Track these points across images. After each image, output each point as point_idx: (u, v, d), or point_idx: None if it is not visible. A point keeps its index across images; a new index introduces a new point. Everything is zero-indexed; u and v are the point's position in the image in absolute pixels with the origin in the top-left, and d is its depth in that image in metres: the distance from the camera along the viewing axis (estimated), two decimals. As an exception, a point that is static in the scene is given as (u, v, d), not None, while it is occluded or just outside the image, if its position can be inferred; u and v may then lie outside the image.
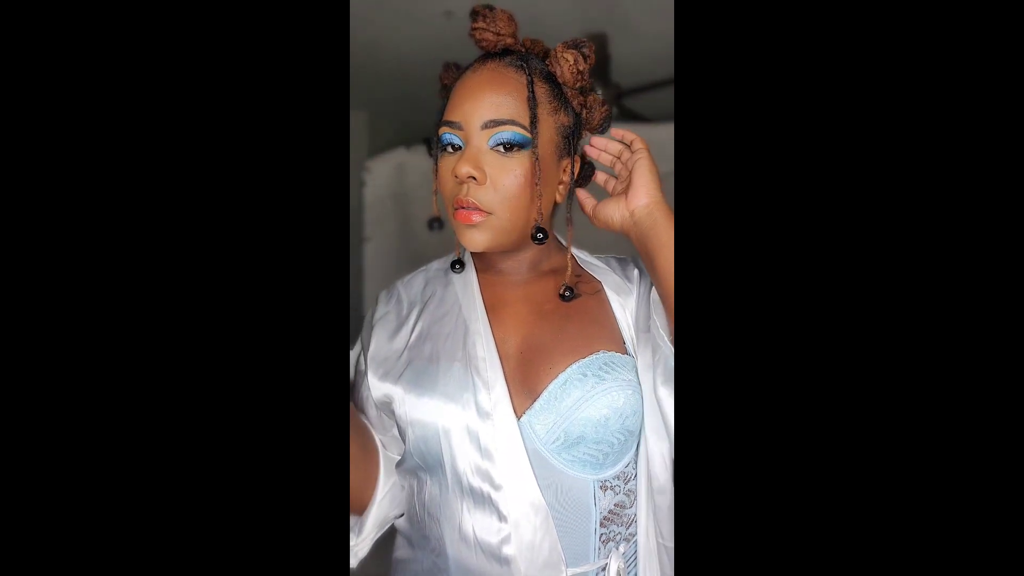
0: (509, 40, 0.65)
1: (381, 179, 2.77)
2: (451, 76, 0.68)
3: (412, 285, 0.75)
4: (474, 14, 0.64)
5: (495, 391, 0.62)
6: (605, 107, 0.71)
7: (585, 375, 0.62)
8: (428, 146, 0.70)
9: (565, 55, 0.65)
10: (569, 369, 0.63)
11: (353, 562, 0.69)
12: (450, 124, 0.62)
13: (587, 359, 0.63)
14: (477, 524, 0.61)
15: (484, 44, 0.65)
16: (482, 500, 0.61)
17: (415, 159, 2.65)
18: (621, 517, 0.65)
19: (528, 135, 0.61)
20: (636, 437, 0.65)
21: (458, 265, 0.70)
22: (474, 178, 0.61)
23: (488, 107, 0.61)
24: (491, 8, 0.64)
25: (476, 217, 0.61)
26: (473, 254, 0.72)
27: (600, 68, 2.11)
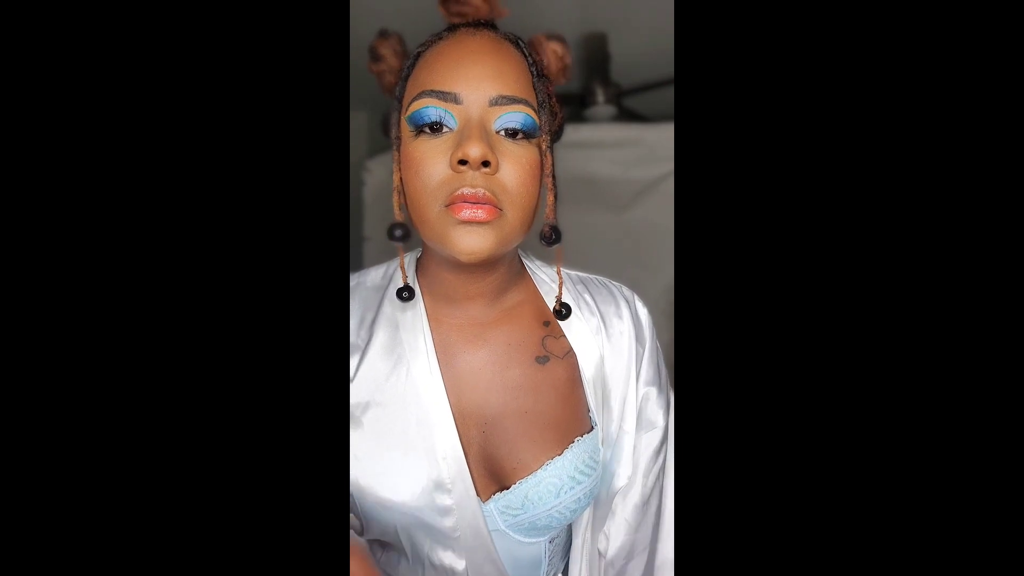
0: (501, 11, 0.54)
1: (381, 179, 2.77)
2: (391, 47, 0.56)
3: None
4: None
5: (457, 479, 0.54)
6: (562, 113, 0.59)
7: (560, 478, 0.56)
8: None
9: (552, 45, 0.55)
10: (543, 471, 0.55)
11: None
12: (440, 95, 0.48)
13: (563, 457, 0.56)
14: None
15: (468, 12, 0.53)
16: (444, 573, 0.57)
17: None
18: (559, 548, 0.65)
19: (538, 121, 0.50)
20: None
21: (406, 292, 0.55)
22: (487, 163, 0.47)
23: (495, 79, 0.49)
24: None
25: (486, 214, 0.48)
26: (420, 280, 0.59)
27: (600, 68, 2.11)
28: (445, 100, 0.49)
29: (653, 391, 0.61)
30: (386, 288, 0.60)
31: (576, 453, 0.57)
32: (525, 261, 0.65)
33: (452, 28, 0.53)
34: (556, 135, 0.57)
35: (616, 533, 0.62)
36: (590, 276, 0.65)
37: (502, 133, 0.49)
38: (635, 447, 0.61)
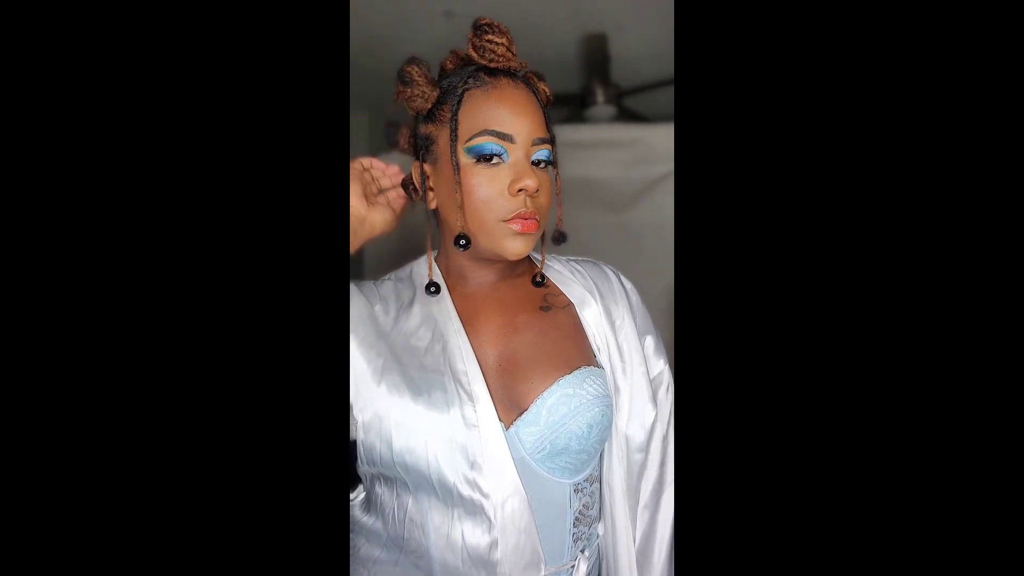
0: (523, 63, 0.66)
1: (381, 179, 2.75)
2: (422, 74, 0.66)
3: (383, 289, 0.73)
4: (487, 27, 0.64)
5: (480, 404, 0.63)
6: None
7: (571, 391, 0.64)
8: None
9: (542, 85, 0.68)
10: (556, 384, 0.65)
11: None
12: (500, 135, 0.63)
13: (572, 375, 0.65)
14: (466, 532, 0.62)
15: (497, 60, 0.65)
16: (472, 509, 0.62)
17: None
18: (587, 517, 0.69)
19: (552, 152, 0.66)
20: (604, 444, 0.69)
21: (433, 287, 0.69)
22: (537, 190, 0.63)
23: (535, 125, 0.64)
24: (496, 23, 0.65)
25: (534, 227, 0.63)
26: (440, 267, 0.74)
27: (600, 68, 2.11)
28: (504, 139, 0.63)
29: (651, 339, 0.74)
30: (409, 277, 0.75)
31: (584, 375, 0.66)
32: None
33: (491, 72, 0.65)
34: None
35: (649, 469, 0.70)
36: (580, 259, 0.79)
37: (533, 163, 0.64)
38: (651, 385, 0.71)
